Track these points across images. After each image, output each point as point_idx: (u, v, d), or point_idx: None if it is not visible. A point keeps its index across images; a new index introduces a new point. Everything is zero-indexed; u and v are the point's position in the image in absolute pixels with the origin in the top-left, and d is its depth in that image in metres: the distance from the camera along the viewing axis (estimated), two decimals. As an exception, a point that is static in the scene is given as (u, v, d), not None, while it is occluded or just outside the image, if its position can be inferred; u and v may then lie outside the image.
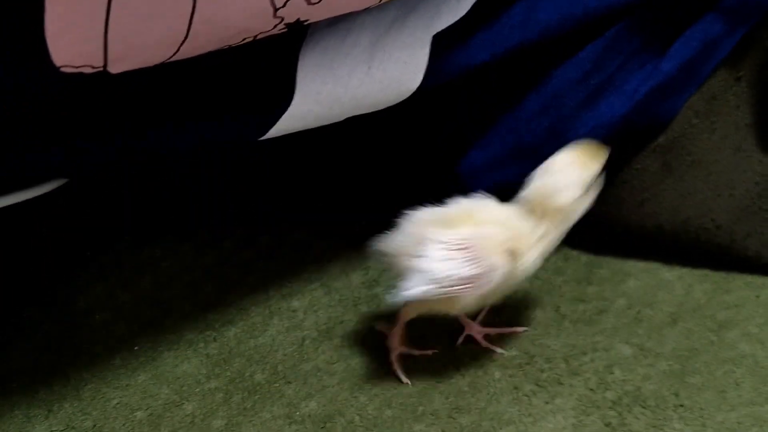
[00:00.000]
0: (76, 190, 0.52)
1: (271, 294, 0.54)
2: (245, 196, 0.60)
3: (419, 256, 0.42)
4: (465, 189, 0.51)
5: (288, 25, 0.39)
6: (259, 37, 0.39)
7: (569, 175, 0.43)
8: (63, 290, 0.56)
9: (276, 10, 0.37)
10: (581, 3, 0.44)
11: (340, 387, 0.47)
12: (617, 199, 0.52)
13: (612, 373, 0.46)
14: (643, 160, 0.51)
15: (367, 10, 0.43)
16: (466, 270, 0.41)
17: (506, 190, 0.49)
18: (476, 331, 0.48)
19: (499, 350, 0.48)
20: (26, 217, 0.55)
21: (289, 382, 0.48)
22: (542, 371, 0.47)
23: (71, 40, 0.33)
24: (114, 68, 0.36)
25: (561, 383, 0.46)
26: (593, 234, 0.55)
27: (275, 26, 0.38)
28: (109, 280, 0.56)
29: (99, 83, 0.37)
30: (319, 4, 0.38)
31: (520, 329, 0.49)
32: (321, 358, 0.49)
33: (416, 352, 0.48)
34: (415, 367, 0.48)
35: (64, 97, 0.40)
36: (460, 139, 0.51)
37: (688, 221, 0.51)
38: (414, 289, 0.41)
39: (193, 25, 0.35)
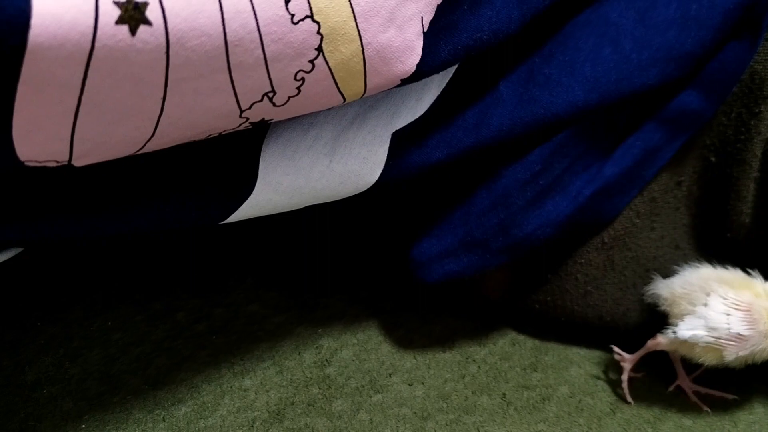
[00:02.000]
0: (27, 258, 0.51)
1: (223, 371, 0.54)
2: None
3: (702, 304, 0.48)
4: (416, 276, 0.53)
5: (253, 123, 0.40)
6: (223, 133, 0.40)
7: None
8: (10, 361, 0.55)
9: (242, 111, 0.38)
10: (531, 110, 0.47)
11: (288, 471, 0.48)
12: (562, 290, 0.55)
13: (553, 463, 0.48)
14: (587, 255, 0.54)
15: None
16: (740, 328, 0.47)
17: (455, 279, 0.52)
18: (687, 385, 0.52)
19: (705, 408, 0.51)
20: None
21: (237, 466, 0.48)
22: (486, 460, 0.48)
23: (38, 140, 0.34)
24: (78, 163, 0.36)
25: (504, 473, 0.48)
26: (540, 321, 0.57)
27: (240, 125, 0.40)
28: (58, 351, 0.55)
29: (62, 172, 0.38)
30: (285, 106, 0.39)
31: (729, 396, 0.52)
32: (270, 440, 0.50)
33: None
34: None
35: (26, 183, 0.40)
36: (413, 229, 0.53)
37: (628, 314, 0.53)
38: (688, 331, 0.48)
39: (159, 126, 0.36)
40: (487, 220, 0.50)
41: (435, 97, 0.48)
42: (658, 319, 0.53)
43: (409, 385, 0.54)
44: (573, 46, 0.48)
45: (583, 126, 0.49)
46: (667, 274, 0.53)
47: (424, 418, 0.51)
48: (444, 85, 0.48)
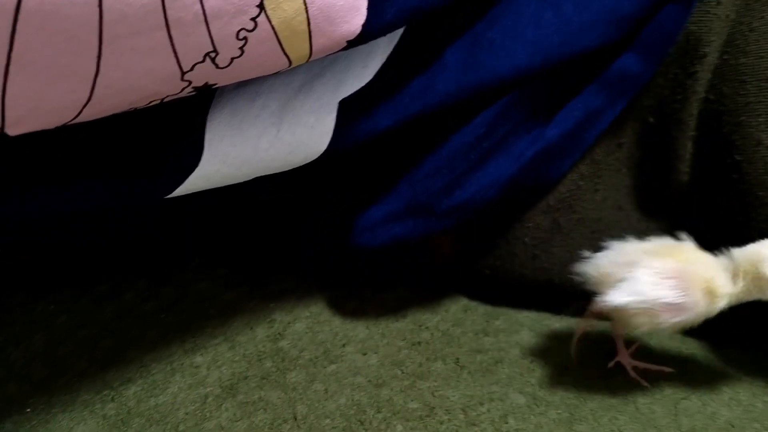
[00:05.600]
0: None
1: (173, 349, 0.53)
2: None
3: (628, 277, 0.47)
4: (361, 241, 0.53)
5: (196, 88, 0.39)
6: (166, 100, 0.40)
7: None
8: (-51, 348, 0.53)
9: (183, 73, 0.37)
10: (476, 75, 0.47)
11: (243, 445, 0.47)
12: (511, 254, 0.56)
13: (507, 422, 0.49)
14: (535, 218, 0.55)
15: (275, 74, 0.45)
16: (671, 296, 0.46)
17: (400, 244, 0.52)
18: (626, 361, 0.51)
19: (644, 383, 0.50)
20: None
21: (191, 442, 0.48)
22: (441, 423, 0.48)
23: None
24: (12, 131, 0.35)
25: (459, 434, 0.48)
26: (490, 286, 0.58)
27: (183, 89, 0.39)
28: (1, 336, 0.54)
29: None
30: (228, 68, 0.38)
31: (667, 369, 0.51)
32: (224, 415, 0.49)
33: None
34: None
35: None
36: (361, 195, 0.53)
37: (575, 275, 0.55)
38: (616, 299, 0.46)
39: (96, 89, 0.35)
40: (432, 183, 0.50)
41: (381, 65, 0.48)
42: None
43: (363, 354, 0.54)
44: (515, 11, 0.48)
45: (526, 90, 0.50)
46: (612, 235, 0.55)
47: (379, 386, 0.51)
48: (389, 52, 0.48)
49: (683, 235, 0.49)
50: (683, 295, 0.46)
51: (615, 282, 0.47)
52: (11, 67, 0.31)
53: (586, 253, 0.50)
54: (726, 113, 0.50)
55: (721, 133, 0.50)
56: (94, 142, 0.42)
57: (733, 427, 0.48)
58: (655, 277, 0.46)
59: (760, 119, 0.48)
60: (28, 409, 0.49)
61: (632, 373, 0.51)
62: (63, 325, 0.55)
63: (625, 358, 0.52)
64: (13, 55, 0.30)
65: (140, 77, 0.35)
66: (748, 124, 0.49)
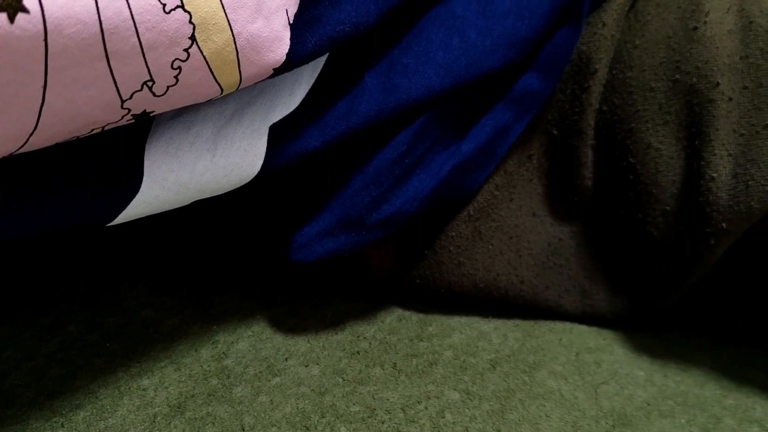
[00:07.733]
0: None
1: (119, 375, 0.55)
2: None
3: None
4: (298, 257, 0.56)
5: (135, 116, 0.42)
6: (107, 128, 0.42)
7: None
8: None
9: (123, 102, 0.40)
10: (393, 97, 0.52)
11: (194, 458, 0.49)
12: (438, 262, 0.60)
13: (444, 417, 0.52)
14: (457, 228, 0.59)
15: (208, 104, 0.48)
16: None
17: (334, 258, 0.55)
18: None
19: None
20: None
21: (142, 459, 0.49)
22: (383, 422, 0.52)
23: None
24: (-39, 161, 0.37)
25: (400, 431, 0.51)
26: (422, 295, 0.62)
27: (123, 117, 0.42)
28: (-57, 374, 0.54)
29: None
30: (164, 96, 0.42)
31: None
32: (173, 432, 0.51)
33: None
34: None
35: None
36: (295, 217, 0.56)
37: (498, 278, 0.59)
38: None
39: (42, 117, 0.37)
40: (361, 199, 0.54)
41: (306, 92, 0.51)
42: (527, 281, 0.59)
43: (305, 366, 0.56)
44: (426, 38, 0.53)
45: (441, 109, 0.55)
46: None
47: (322, 393, 0.54)
48: (314, 81, 0.52)
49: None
50: None
51: None
52: (-38, 99, 0.33)
53: None
54: (618, 121, 0.55)
55: (616, 139, 0.56)
56: (37, 170, 0.44)
57: (648, 405, 0.53)
58: None
59: (648, 125, 0.54)
60: (-24, 442, 0.49)
61: None
62: (8, 358, 0.56)
63: None
64: (-36, 86, 0.33)
65: (83, 105, 0.38)
66: (638, 130, 0.54)
